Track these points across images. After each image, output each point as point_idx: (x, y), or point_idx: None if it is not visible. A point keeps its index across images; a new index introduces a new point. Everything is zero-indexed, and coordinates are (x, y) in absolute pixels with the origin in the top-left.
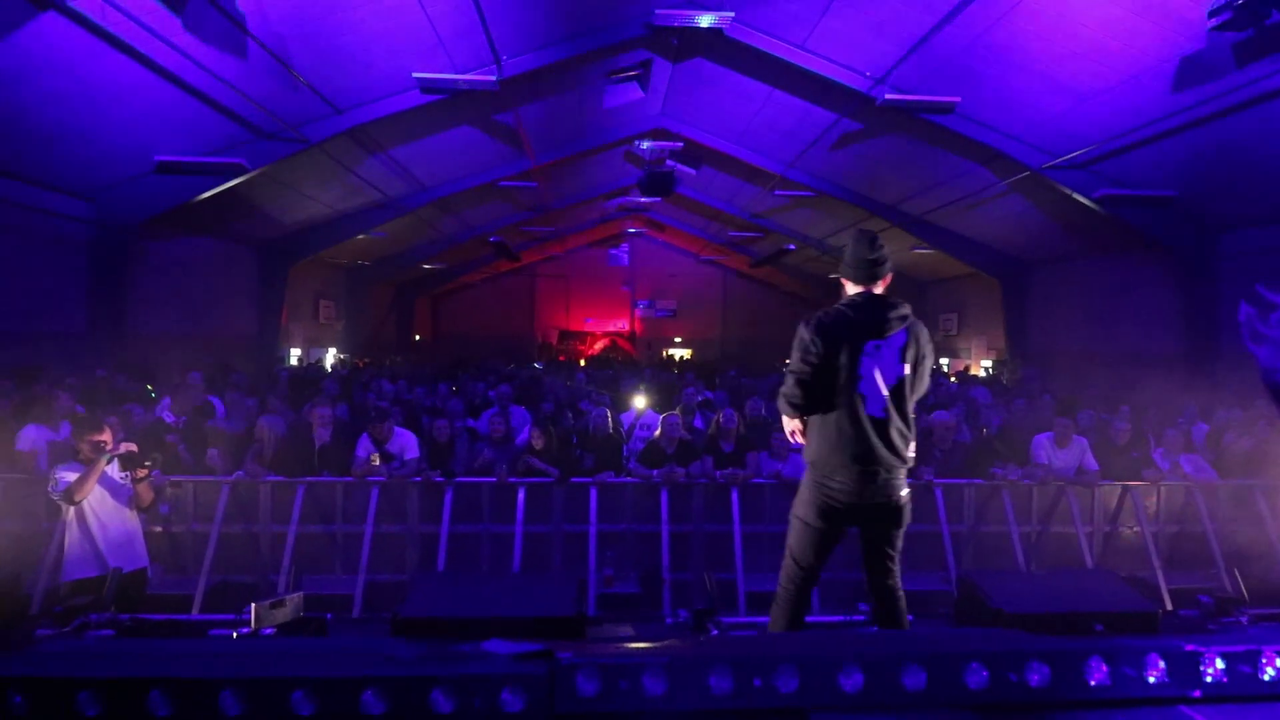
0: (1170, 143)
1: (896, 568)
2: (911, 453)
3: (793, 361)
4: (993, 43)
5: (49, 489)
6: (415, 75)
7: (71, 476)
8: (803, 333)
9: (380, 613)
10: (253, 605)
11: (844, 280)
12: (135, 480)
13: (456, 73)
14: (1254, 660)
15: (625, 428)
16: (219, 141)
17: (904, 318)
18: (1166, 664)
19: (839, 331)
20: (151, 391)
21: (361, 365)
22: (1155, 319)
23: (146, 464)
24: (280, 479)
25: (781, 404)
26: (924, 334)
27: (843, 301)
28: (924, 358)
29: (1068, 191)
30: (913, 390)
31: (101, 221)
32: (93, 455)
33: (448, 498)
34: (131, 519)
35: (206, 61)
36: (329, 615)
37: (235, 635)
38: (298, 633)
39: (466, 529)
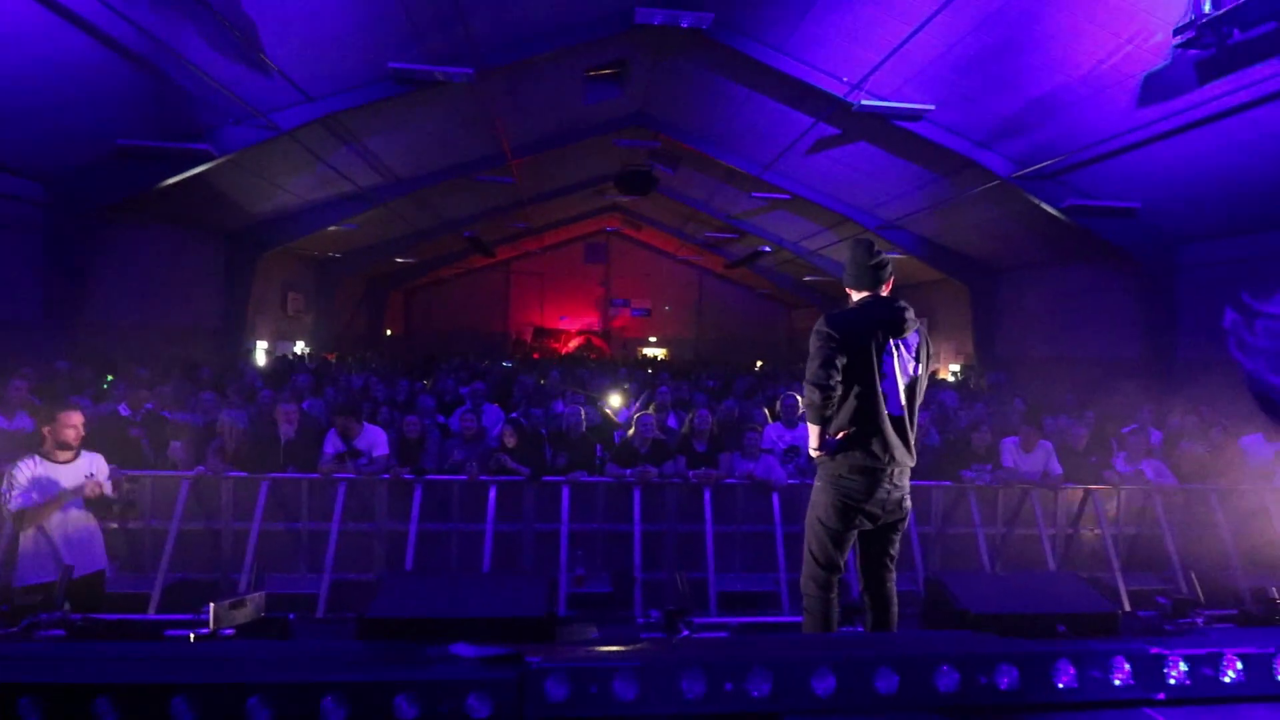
0: (1135, 156)
1: (894, 571)
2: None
3: (815, 353)
4: (965, 53)
5: (4, 489)
6: (391, 65)
7: (26, 479)
8: (822, 328)
9: (346, 613)
10: (211, 605)
11: (849, 290)
12: (99, 514)
13: (433, 64)
14: (1215, 663)
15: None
16: (185, 127)
17: (915, 319)
18: (1131, 667)
19: (861, 329)
20: (105, 384)
21: (330, 359)
22: (1117, 326)
23: (115, 509)
24: (243, 475)
25: (810, 394)
26: (926, 338)
27: (856, 303)
28: (930, 359)
29: (1035, 201)
30: (917, 392)
31: (58, 206)
32: (66, 444)
33: (417, 495)
34: (90, 519)
35: (172, 44)
36: (292, 616)
37: (192, 637)
38: (258, 634)
39: (436, 527)
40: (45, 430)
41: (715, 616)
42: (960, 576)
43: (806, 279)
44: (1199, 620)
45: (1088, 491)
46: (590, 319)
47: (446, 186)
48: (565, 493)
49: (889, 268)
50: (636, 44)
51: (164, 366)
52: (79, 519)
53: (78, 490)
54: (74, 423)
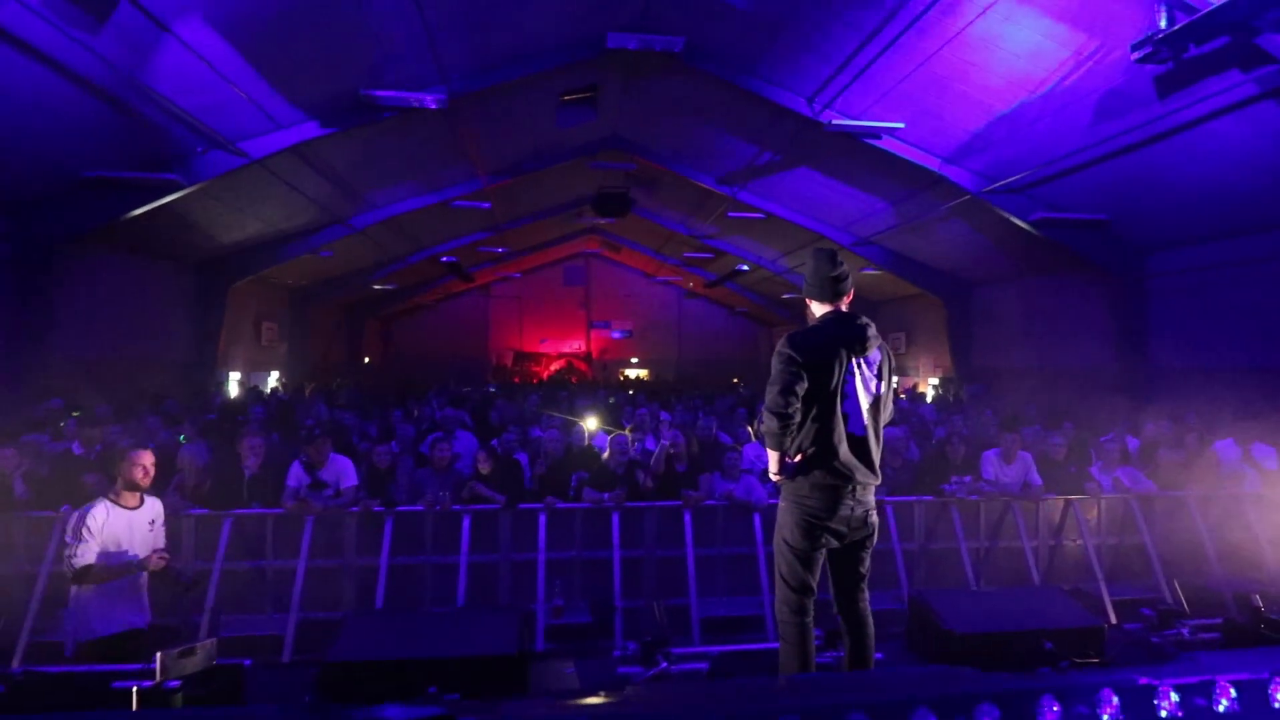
0: (1100, 169)
1: (866, 589)
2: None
3: (775, 377)
4: (933, 71)
5: (67, 537)
6: (362, 93)
7: (96, 529)
8: (785, 349)
9: (312, 655)
10: (159, 655)
11: (809, 300)
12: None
13: (404, 90)
14: (1208, 692)
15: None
16: (150, 156)
17: (877, 336)
18: (1120, 700)
19: (823, 348)
20: (62, 423)
21: (308, 391)
22: (1091, 336)
23: (188, 586)
24: (204, 512)
25: (768, 422)
26: (890, 355)
27: (815, 322)
28: (894, 375)
29: (1005, 215)
30: (885, 408)
31: (21, 237)
32: (132, 480)
33: (388, 528)
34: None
35: (137, 73)
36: (247, 662)
37: (136, 690)
38: (208, 684)
39: (408, 561)
40: (115, 471)
41: (698, 644)
42: (944, 595)
43: (784, 297)
44: (1184, 631)
45: (1068, 502)
46: (571, 342)
47: (422, 212)
48: (542, 520)
49: (849, 280)
50: (609, 68)
51: (131, 400)
52: (129, 578)
53: (143, 554)
54: (144, 462)
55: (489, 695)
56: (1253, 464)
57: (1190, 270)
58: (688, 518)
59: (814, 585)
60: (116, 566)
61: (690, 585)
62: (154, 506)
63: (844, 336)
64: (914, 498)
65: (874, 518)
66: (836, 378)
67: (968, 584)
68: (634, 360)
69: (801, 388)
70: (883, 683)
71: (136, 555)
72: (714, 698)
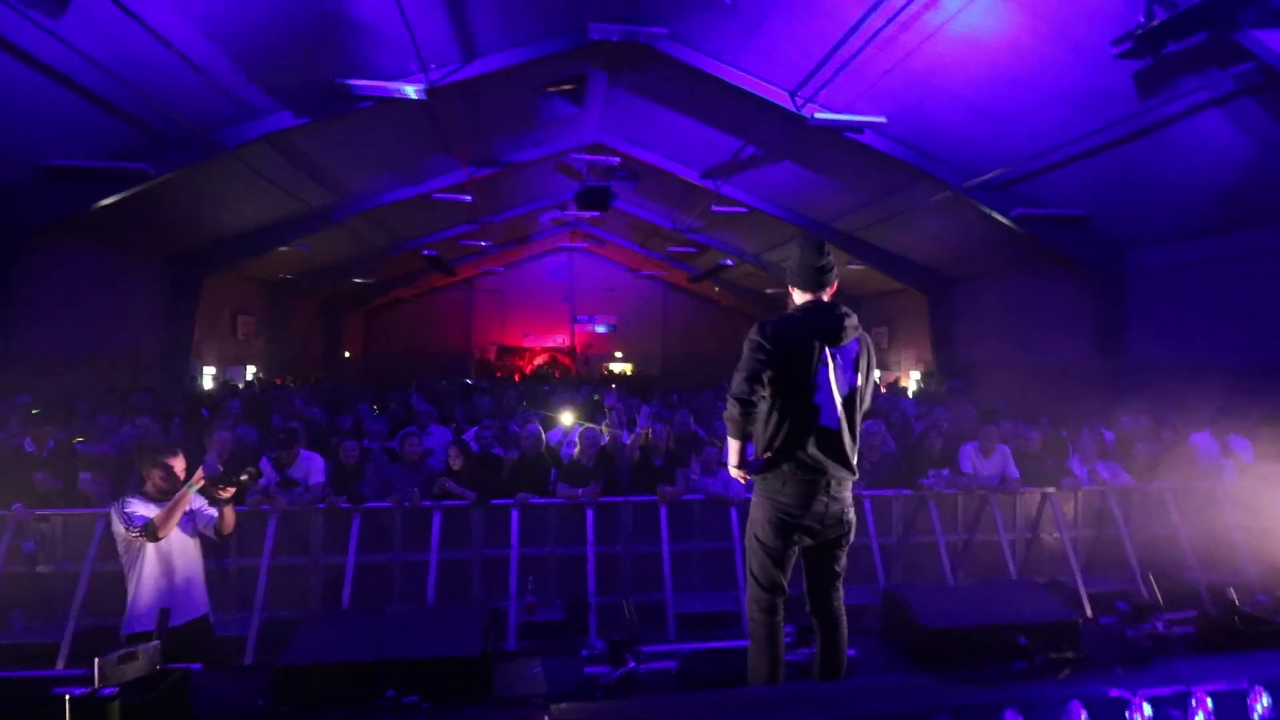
0: (1080, 165)
1: (841, 588)
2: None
3: (743, 364)
4: (914, 66)
5: (120, 526)
6: (338, 81)
7: (144, 510)
8: (756, 337)
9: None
10: (96, 661)
11: (792, 288)
12: (220, 501)
13: (382, 80)
14: (1183, 704)
15: (553, 444)
16: (118, 146)
17: (856, 327)
18: (1089, 713)
19: (795, 338)
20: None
21: (279, 383)
22: (1071, 331)
23: (243, 477)
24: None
25: (730, 408)
26: (870, 348)
27: (793, 309)
28: (873, 368)
29: (986, 210)
30: (862, 401)
31: None
32: (165, 485)
33: (355, 525)
34: (195, 555)
35: (102, 59)
36: (197, 666)
37: (68, 698)
38: (150, 690)
39: (376, 559)
40: (145, 473)
41: (672, 641)
42: (918, 589)
43: (768, 291)
44: (1159, 625)
45: (1045, 495)
46: (555, 336)
47: (403, 205)
48: (515, 516)
49: (833, 272)
50: (592, 59)
51: (101, 396)
52: (188, 556)
53: (180, 542)
54: (176, 467)
55: (450, 698)
56: (1231, 456)
57: (1168, 267)
58: (664, 513)
59: (785, 584)
60: (174, 504)
61: (666, 581)
62: (194, 499)
63: (819, 326)
64: (892, 491)
65: (850, 515)
66: (808, 368)
67: (945, 577)
68: (618, 355)
69: (767, 376)
70: (840, 696)
71: (175, 543)
72: (654, 711)
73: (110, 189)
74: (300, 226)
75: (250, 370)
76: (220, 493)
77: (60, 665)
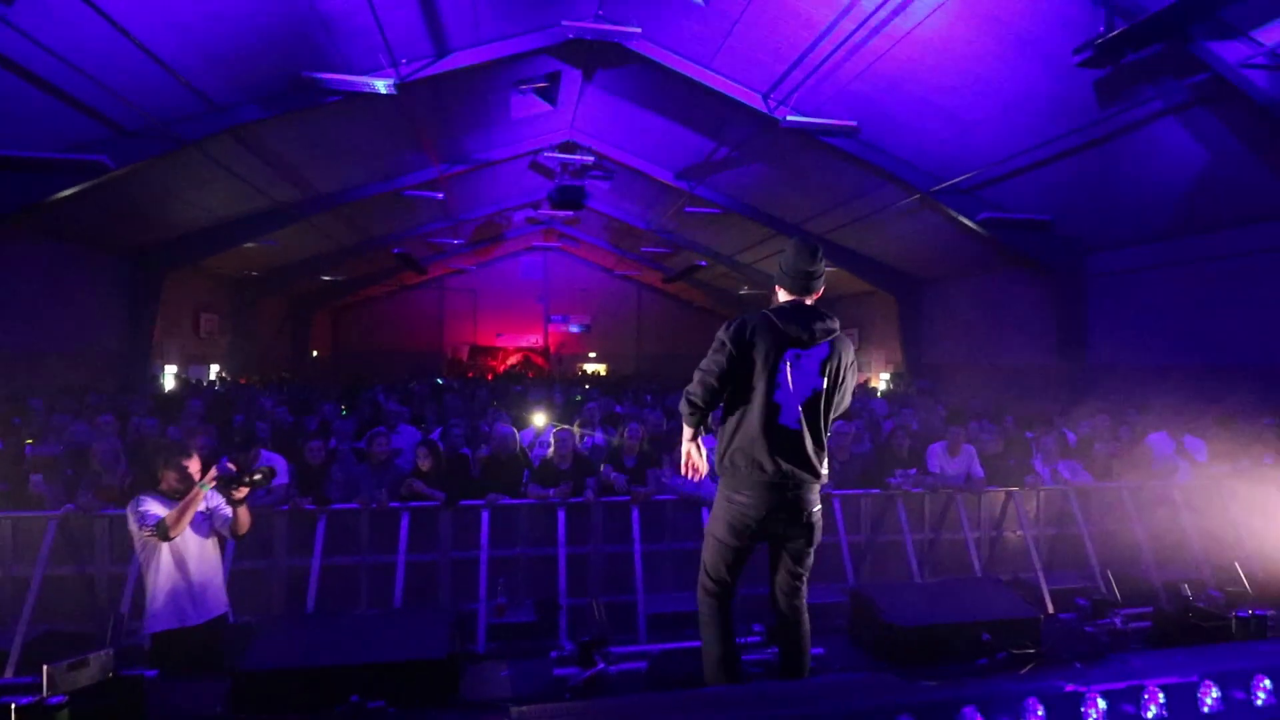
0: (1044, 171)
1: (804, 588)
2: (825, 468)
3: (705, 361)
4: (882, 71)
5: (133, 525)
6: (305, 74)
7: (158, 509)
8: (721, 335)
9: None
10: (45, 668)
11: (777, 287)
12: (234, 501)
13: (351, 74)
14: (1136, 698)
15: (524, 445)
16: (74, 137)
17: (830, 331)
18: (1045, 710)
19: (760, 336)
20: None
21: (244, 383)
22: (1035, 333)
23: (256, 476)
24: (120, 512)
25: (683, 404)
26: (848, 349)
27: (770, 308)
28: (844, 372)
29: (953, 214)
30: (829, 405)
31: None
32: (180, 486)
33: (320, 527)
34: (213, 555)
35: (58, 48)
36: (150, 673)
37: (14, 707)
38: (102, 698)
39: (343, 561)
40: (160, 473)
41: (643, 641)
42: (884, 588)
43: (742, 292)
44: (1117, 620)
45: (1009, 494)
46: (528, 336)
47: (372, 202)
48: (484, 517)
49: (822, 279)
50: (566, 57)
51: (54, 396)
52: (204, 556)
53: (198, 537)
54: (191, 468)
55: (416, 702)
56: (1185, 456)
57: (1126, 270)
58: (635, 513)
59: (732, 584)
60: (185, 504)
61: (637, 581)
62: (210, 497)
63: (789, 327)
64: (860, 490)
65: (814, 519)
66: (769, 368)
67: (912, 575)
68: (592, 355)
69: (726, 374)
70: (800, 694)
71: (191, 543)
72: (609, 714)
73: (67, 181)
74: (266, 222)
75: (214, 369)
76: (234, 493)
77: (9, 673)
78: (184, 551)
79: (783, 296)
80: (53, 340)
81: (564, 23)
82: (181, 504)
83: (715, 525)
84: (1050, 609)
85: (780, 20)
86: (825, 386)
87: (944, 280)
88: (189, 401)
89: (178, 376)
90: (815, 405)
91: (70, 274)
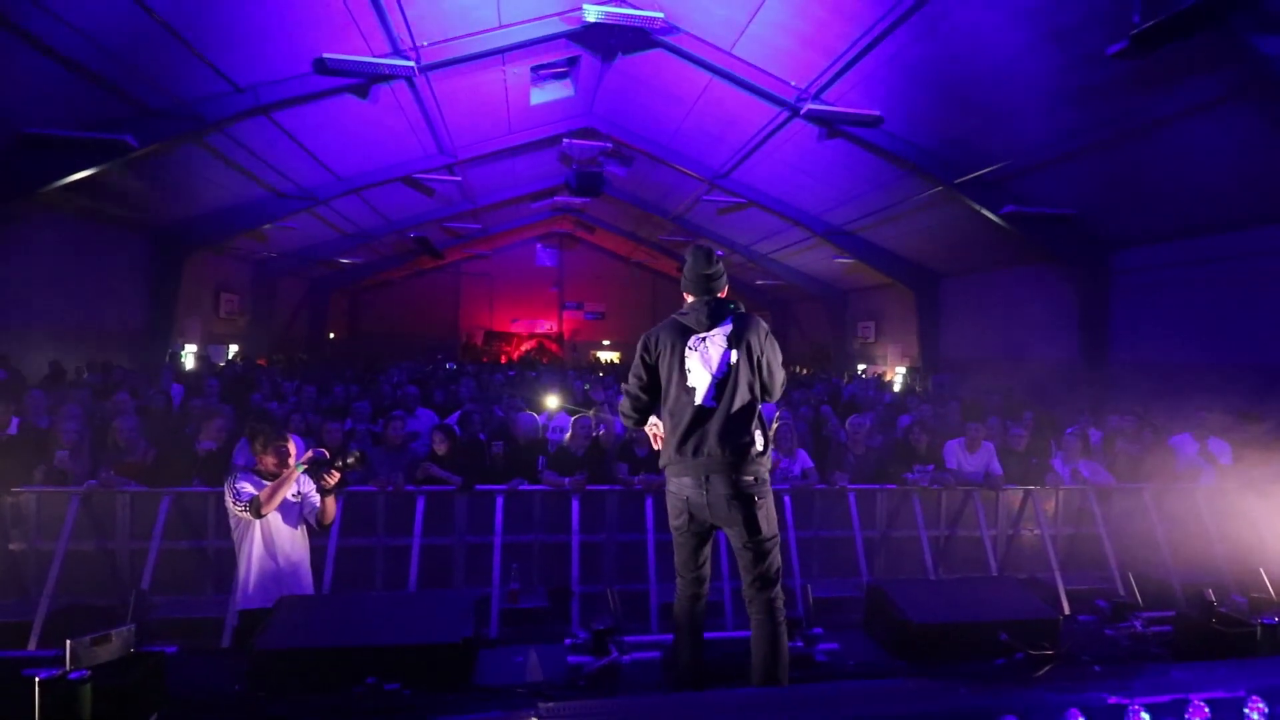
0: (1070, 164)
1: (763, 578)
2: (758, 444)
3: (629, 376)
4: (909, 60)
5: (229, 500)
6: (325, 56)
7: (251, 488)
8: (638, 348)
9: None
10: (68, 642)
11: (684, 293)
12: (325, 491)
13: (370, 58)
14: (1179, 711)
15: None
16: (100, 116)
17: (730, 310)
18: None
19: (666, 335)
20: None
21: (263, 364)
22: (1057, 329)
23: (349, 459)
24: (140, 489)
25: (621, 420)
26: (757, 324)
27: (675, 312)
28: (758, 345)
29: (976, 207)
30: (750, 380)
31: None
32: (276, 468)
33: (337, 508)
34: (302, 541)
35: (84, 27)
36: (172, 649)
37: (38, 680)
38: (125, 674)
39: (358, 543)
40: (258, 455)
41: (655, 633)
42: (902, 585)
43: (758, 283)
44: (1137, 624)
45: (1027, 492)
46: (543, 322)
47: (390, 186)
48: (499, 503)
49: (722, 279)
50: (586, 43)
51: (79, 372)
52: (293, 539)
53: (290, 518)
54: (287, 451)
55: (432, 686)
56: (1209, 458)
57: (1151, 267)
58: (649, 502)
59: (693, 570)
60: (279, 483)
61: (650, 570)
62: (303, 482)
63: (688, 319)
64: (876, 486)
65: (741, 510)
66: (678, 357)
67: (926, 572)
68: (606, 342)
69: (646, 383)
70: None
71: (282, 528)
72: (652, 715)
73: (91, 160)
74: (286, 204)
75: (233, 349)
76: (326, 479)
77: (33, 644)
78: (275, 535)
79: (688, 299)
80: (73, 319)
81: (585, 7)
82: (275, 482)
83: (669, 515)
84: (1067, 609)
85: (806, 8)
86: (735, 361)
87: (964, 274)
88: (206, 380)
89: (198, 355)
90: (727, 381)
91: (93, 252)
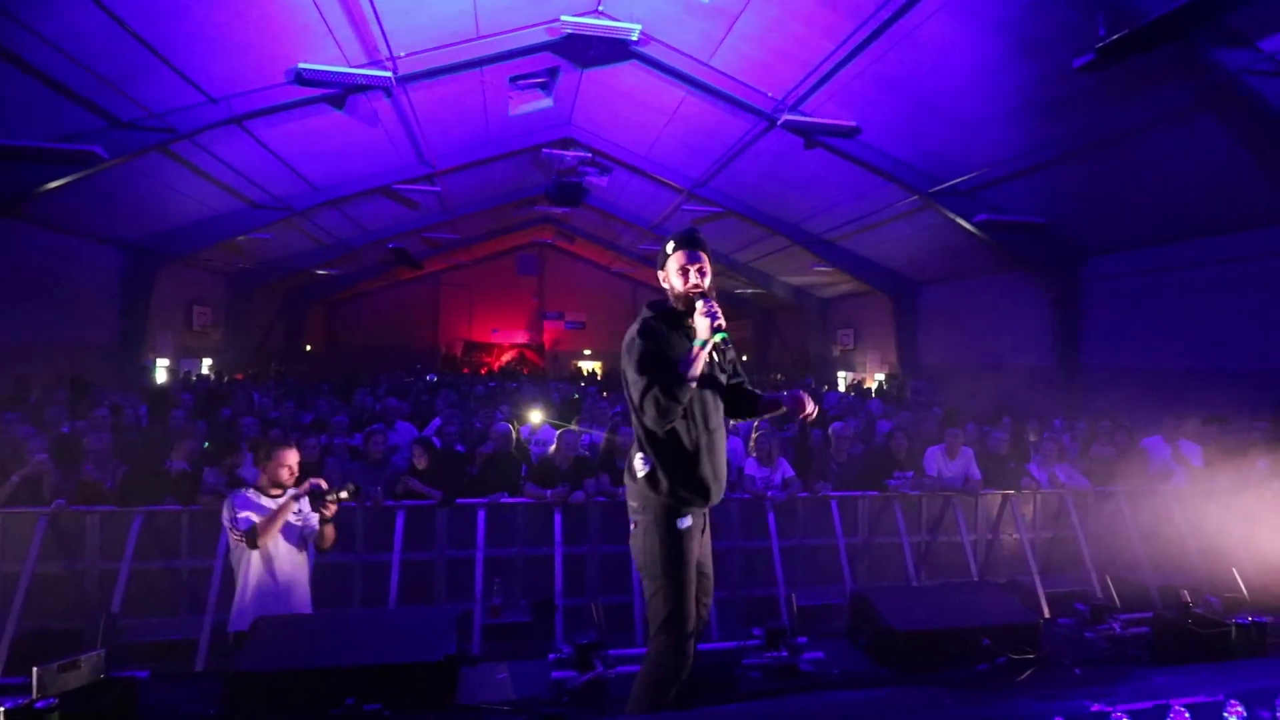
0: (1042, 174)
1: (651, 603)
2: (636, 469)
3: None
4: (884, 71)
5: (226, 521)
6: (301, 66)
7: (251, 514)
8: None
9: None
10: (35, 669)
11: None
12: (324, 520)
13: (347, 68)
14: (1161, 717)
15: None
16: (68, 127)
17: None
18: None
19: None
20: None
21: (240, 378)
22: (1029, 336)
23: (343, 494)
24: (109, 509)
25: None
26: (625, 340)
27: None
28: (624, 363)
29: (951, 216)
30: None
31: None
32: (280, 483)
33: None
34: (301, 561)
35: (53, 38)
36: (143, 674)
37: (1, 710)
38: (93, 701)
39: (337, 559)
40: (262, 468)
41: (640, 644)
42: (885, 592)
43: (738, 291)
44: (1115, 626)
45: (1006, 497)
46: (523, 332)
47: (367, 196)
48: (481, 516)
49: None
50: (564, 54)
51: (48, 386)
52: (292, 560)
53: (290, 537)
54: (289, 461)
55: (413, 706)
56: (1181, 461)
57: (1123, 274)
58: None
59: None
60: (275, 514)
61: (634, 583)
62: (302, 502)
63: None
64: (858, 492)
65: (632, 527)
66: None
67: (909, 578)
68: (587, 352)
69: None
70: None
71: (281, 548)
72: None
73: (58, 171)
74: (261, 215)
75: (207, 363)
76: (324, 510)
77: None
78: (274, 554)
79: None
80: (41, 333)
81: (562, 18)
82: (271, 514)
83: None
84: (1046, 612)
85: (783, 20)
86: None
87: (940, 282)
88: (179, 395)
89: (169, 370)
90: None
91: (62, 265)
